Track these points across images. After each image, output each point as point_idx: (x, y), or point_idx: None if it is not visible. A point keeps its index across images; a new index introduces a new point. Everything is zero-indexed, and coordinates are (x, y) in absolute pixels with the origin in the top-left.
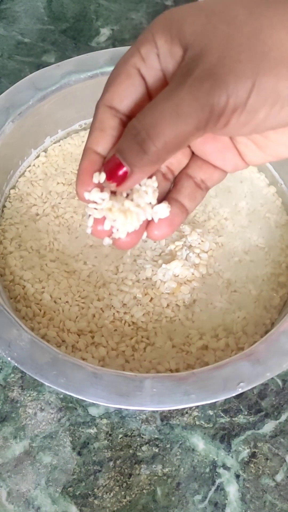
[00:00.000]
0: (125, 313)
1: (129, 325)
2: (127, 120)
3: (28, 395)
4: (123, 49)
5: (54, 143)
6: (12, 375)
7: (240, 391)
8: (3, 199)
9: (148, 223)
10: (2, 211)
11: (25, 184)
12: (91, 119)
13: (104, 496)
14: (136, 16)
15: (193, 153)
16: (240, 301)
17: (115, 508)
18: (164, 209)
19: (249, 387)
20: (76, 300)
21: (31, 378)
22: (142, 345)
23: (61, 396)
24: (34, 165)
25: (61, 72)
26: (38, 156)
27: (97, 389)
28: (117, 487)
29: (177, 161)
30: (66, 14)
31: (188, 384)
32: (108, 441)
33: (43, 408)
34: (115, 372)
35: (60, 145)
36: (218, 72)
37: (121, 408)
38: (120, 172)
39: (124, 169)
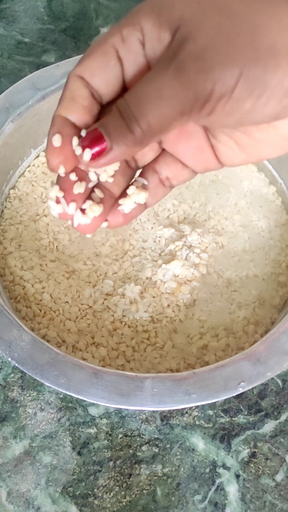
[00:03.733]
0: (124, 313)
1: (129, 326)
2: (98, 96)
3: (28, 395)
4: None
5: None
6: (12, 375)
7: (241, 390)
8: (3, 199)
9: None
10: (2, 211)
11: (25, 184)
12: None
13: (104, 496)
14: None
15: (163, 149)
16: (240, 301)
17: (115, 508)
18: (141, 197)
19: (250, 387)
20: (76, 300)
21: (31, 378)
22: (143, 346)
23: (61, 396)
24: (34, 165)
25: (61, 72)
26: (38, 156)
27: (98, 389)
28: (117, 487)
29: (141, 152)
30: (66, 13)
31: (189, 384)
32: (108, 441)
33: (43, 408)
34: (116, 372)
35: None
36: (205, 57)
37: (121, 408)
38: (98, 148)
39: (104, 144)
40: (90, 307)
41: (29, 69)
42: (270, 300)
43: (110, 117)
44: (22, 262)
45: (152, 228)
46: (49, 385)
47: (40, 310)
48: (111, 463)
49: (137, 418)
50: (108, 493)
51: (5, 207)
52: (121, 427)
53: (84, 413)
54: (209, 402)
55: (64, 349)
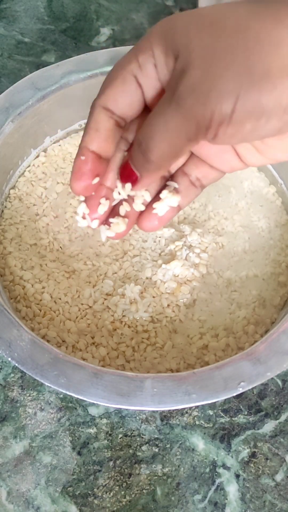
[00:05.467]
0: (124, 313)
1: (129, 326)
2: (122, 121)
3: (28, 395)
4: (124, 49)
5: (54, 143)
6: (12, 374)
7: (241, 390)
8: (3, 199)
9: (139, 214)
10: (2, 211)
11: (25, 184)
12: None
13: (104, 496)
14: (137, 16)
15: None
16: (240, 301)
17: (115, 508)
18: (174, 200)
19: (250, 387)
20: (76, 300)
21: (31, 377)
22: (143, 346)
23: (61, 395)
24: (33, 165)
25: (61, 71)
26: (37, 156)
27: (98, 389)
28: (117, 487)
29: None
30: (66, 14)
31: (189, 384)
32: (108, 441)
33: (43, 408)
34: (116, 372)
35: (59, 145)
36: (201, 88)
37: (121, 408)
38: (131, 180)
39: (135, 176)
40: (90, 307)
41: (29, 69)
42: (270, 300)
43: (133, 152)
44: (22, 262)
45: None
46: (49, 385)
47: (40, 310)
48: (111, 463)
49: (137, 418)
50: (108, 493)
51: (5, 207)
52: (121, 427)
53: (84, 413)
54: (209, 402)
55: (64, 349)
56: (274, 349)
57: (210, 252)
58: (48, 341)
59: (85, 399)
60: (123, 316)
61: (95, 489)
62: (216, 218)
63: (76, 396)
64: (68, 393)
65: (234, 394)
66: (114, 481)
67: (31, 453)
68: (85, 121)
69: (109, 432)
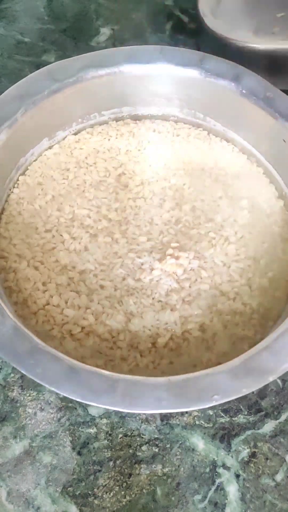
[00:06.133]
0: (122, 324)
1: (125, 337)
2: None
3: (28, 394)
4: (142, 48)
5: (69, 135)
6: (12, 374)
7: (214, 403)
8: (12, 186)
9: None
10: (9, 195)
11: (35, 172)
12: (105, 114)
13: (104, 496)
14: (136, 16)
15: None
16: (236, 312)
17: (115, 508)
18: None
19: (224, 400)
20: (69, 303)
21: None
22: (138, 355)
23: (61, 396)
24: (45, 155)
25: (79, 65)
26: (51, 147)
27: (72, 384)
28: (117, 487)
29: None
30: (66, 14)
31: (162, 390)
32: (108, 441)
33: (43, 407)
34: (92, 369)
35: (73, 137)
36: None
37: (93, 405)
38: None
39: None
40: (82, 310)
41: (29, 69)
42: (266, 313)
43: None
44: (19, 251)
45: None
46: (24, 373)
47: (36, 310)
48: (111, 463)
49: (137, 418)
50: (108, 493)
51: (13, 192)
52: (121, 427)
53: (84, 413)
54: (180, 410)
55: (50, 343)
56: (253, 366)
57: (207, 260)
58: (36, 330)
59: (57, 391)
60: (121, 326)
61: (95, 489)
62: (217, 224)
63: (49, 387)
64: (41, 383)
65: (207, 406)
66: (114, 481)
67: (31, 453)
68: (100, 116)
69: (109, 432)
